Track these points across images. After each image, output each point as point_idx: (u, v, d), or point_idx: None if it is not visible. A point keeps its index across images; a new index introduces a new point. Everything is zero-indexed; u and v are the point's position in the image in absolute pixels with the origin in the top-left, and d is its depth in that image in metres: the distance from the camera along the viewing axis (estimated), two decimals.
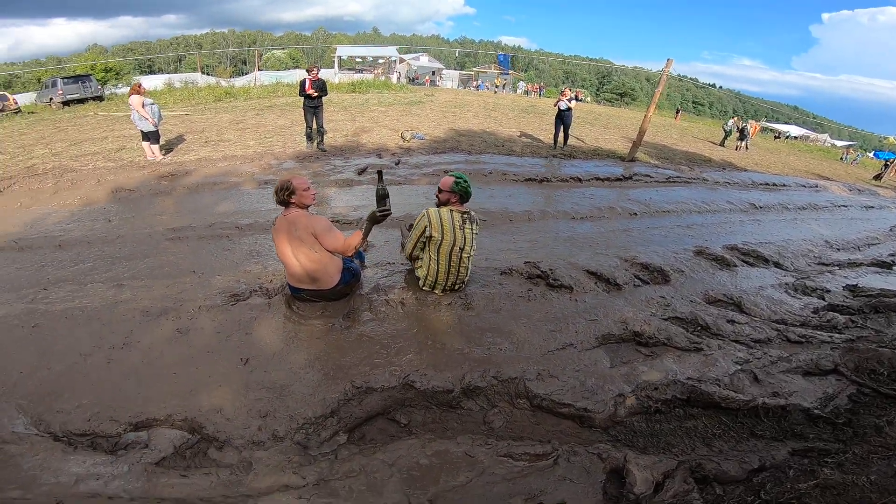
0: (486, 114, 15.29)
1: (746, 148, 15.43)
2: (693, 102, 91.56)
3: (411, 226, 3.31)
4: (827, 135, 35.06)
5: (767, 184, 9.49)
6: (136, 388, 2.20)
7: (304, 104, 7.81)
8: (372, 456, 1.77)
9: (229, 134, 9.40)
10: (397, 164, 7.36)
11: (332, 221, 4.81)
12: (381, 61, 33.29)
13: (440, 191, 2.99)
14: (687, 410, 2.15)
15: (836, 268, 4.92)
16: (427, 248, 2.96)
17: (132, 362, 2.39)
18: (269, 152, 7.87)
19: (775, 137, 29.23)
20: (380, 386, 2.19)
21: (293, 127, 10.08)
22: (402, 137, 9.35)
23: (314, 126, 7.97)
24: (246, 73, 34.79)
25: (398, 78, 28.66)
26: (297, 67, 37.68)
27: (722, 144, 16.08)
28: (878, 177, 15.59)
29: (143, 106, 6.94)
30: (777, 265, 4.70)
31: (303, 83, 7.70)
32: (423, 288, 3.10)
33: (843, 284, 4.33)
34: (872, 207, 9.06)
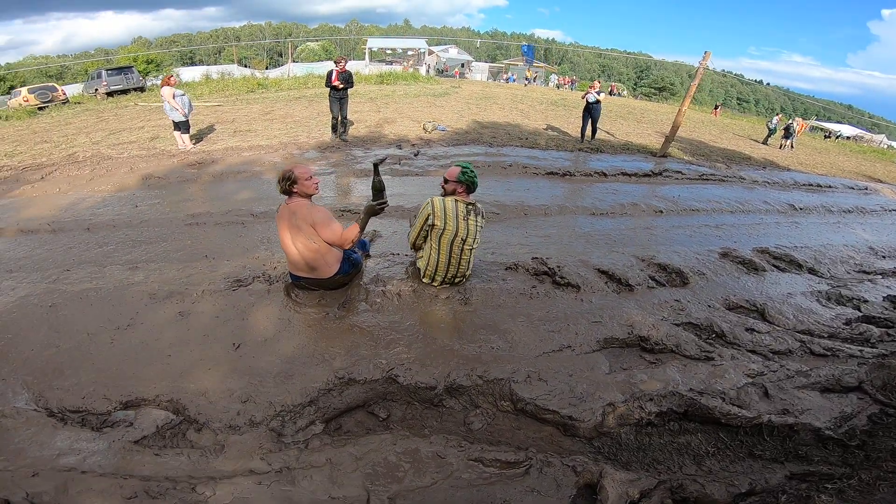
0: (513, 106, 14.99)
1: (791, 147, 14.43)
2: (738, 99, 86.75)
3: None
4: (884, 135, 32.18)
5: (811, 184, 8.84)
6: (132, 367, 2.27)
7: (330, 95, 7.88)
8: (342, 448, 1.75)
9: (257, 124, 9.65)
10: (416, 155, 7.31)
11: (345, 211, 4.91)
12: (410, 53, 33.26)
13: (446, 181, 2.93)
14: (682, 425, 2.01)
15: (880, 276, 4.51)
16: (429, 238, 2.92)
17: (132, 343, 2.47)
18: (294, 142, 8.02)
19: (825, 137, 27.24)
20: (362, 378, 2.16)
21: (319, 118, 10.23)
22: (423, 129, 9.31)
23: (339, 117, 8.04)
24: (281, 65, 35.62)
25: (427, 70, 28.60)
26: (329, 59, 38.22)
27: (765, 142, 15.15)
28: None
29: (173, 97, 7.21)
30: (812, 271, 4.36)
31: (329, 74, 7.76)
32: (424, 280, 3.06)
33: (885, 295, 3.97)
34: None
